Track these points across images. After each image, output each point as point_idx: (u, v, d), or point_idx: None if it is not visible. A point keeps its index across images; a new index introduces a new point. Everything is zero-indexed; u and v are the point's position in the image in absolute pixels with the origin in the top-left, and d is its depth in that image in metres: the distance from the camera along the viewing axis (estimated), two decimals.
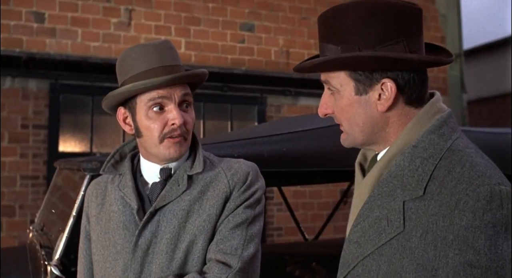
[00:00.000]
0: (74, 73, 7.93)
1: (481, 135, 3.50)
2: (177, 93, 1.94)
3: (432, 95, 1.61)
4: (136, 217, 1.94)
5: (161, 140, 1.94)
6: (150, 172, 2.03)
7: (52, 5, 7.96)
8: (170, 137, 1.94)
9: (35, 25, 7.86)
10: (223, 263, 1.90)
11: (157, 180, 2.01)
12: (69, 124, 8.06)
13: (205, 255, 1.93)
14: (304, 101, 9.32)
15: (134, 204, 1.95)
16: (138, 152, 2.12)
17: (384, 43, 1.47)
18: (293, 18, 9.54)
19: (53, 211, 3.77)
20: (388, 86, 1.49)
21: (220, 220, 1.97)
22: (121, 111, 2.02)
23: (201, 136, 8.56)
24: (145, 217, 1.92)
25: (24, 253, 3.86)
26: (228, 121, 9.04)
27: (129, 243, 1.92)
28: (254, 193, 2.03)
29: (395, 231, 1.45)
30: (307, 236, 4.86)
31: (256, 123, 8.99)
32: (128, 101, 1.98)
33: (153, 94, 1.91)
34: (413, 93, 1.51)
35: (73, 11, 8.08)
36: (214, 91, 8.59)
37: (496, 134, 3.56)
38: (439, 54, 1.61)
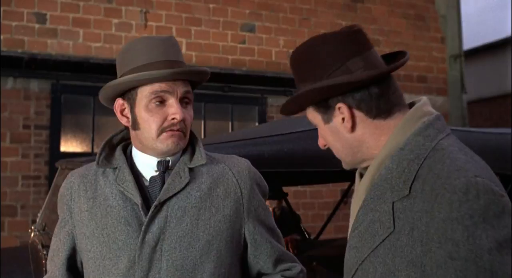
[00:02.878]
0: (76, 73, 7.95)
1: (481, 135, 3.50)
2: (179, 89, 1.92)
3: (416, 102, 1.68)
4: (141, 212, 1.88)
5: (159, 134, 1.91)
6: (146, 165, 1.98)
7: (54, 6, 7.98)
8: (169, 130, 1.92)
9: (37, 26, 7.88)
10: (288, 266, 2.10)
11: (153, 173, 1.97)
12: (70, 125, 8.08)
13: (220, 254, 1.94)
14: None
15: (138, 199, 1.89)
16: (127, 144, 2.08)
17: (327, 73, 1.58)
18: (293, 19, 9.56)
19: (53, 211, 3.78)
20: (343, 109, 1.58)
21: (250, 227, 2.02)
22: (119, 102, 1.97)
23: (202, 136, 8.57)
24: (151, 212, 1.87)
25: (25, 253, 3.87)
26: (229, 122, 9.06)
27: (133, 239, 1.87)
28: (264, 192, 2.11)
29: (387, 232, 1.50)
30: (307, 236, 4.87)
31: (256, 124, 9.00)
32: (127, 93, 1.94)
33: (156, 87, 1.89)
34: (373, 108, 1.58)
35: (74, 12, 8.10)
36: (215, 91, 8.60)
37: (496, 134, 3.57)
38: (398, 60, 1.67)
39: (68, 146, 8.02)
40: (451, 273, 1.37)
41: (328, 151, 1.96)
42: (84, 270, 1.98)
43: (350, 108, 1.58)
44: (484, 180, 1.40)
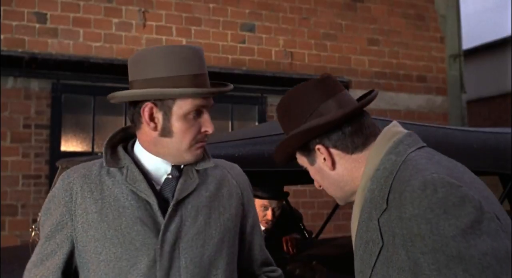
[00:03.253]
0: (76, 73, 7.96)
1: (480, 135, 3.50)
2: (211, 103, 2.00)
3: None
4: (158, 212, 1.91)
5: (192, 145, 1.96)
6: (157, 168, 2.00)
7: (54, 5, 8.00)
8: (200, 142, 1.99)
9: (37, 25, 7.89)
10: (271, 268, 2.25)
11: (162, 175, 2.00)
12: (71, 124, 8.09)
13: (230, 251, 2.03)
14: None
15: (153, 199, 1.92)
16: (126, 144, 2.07)
17: (303, 120, 1.77)
18: (293, 19, 9.57)
19: None
20: (322, 150, 1.75)
21: (247, 228, 2.16)
22: (149, 106, 1.94)
23: None
24: (169, 212, 1.92)
25: (26, 252, 3.88)
26: (228, 121, 9.07)
27: (151, 239, 1.89)
28: (253, 196, 2.23)
29: (378, 247, 1.61)
30: (307, 235, 4.88)
31: (256, 123, 9.01)
32: (161, 100, 1.94)
33: (198, 101, 1.94)
34: (348, 145, 1.75)
35: (75, 11, 8.12)
36: None
37: (496, 134, 3.57)
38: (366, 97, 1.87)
39: (69, 145, 8.04)
40: (425, 268, 1.46)
41: None
42: (90, 274, 1.92)
43: (327, 148, 1.75)
44: (440, 175, 1.51)
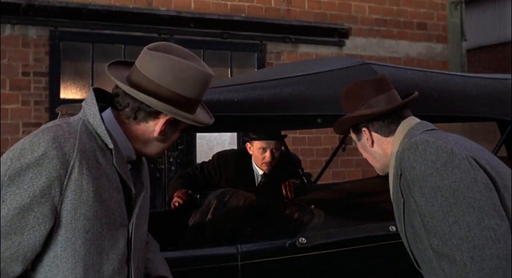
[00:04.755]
0: (74, 20, 7.90)
1: (479, 81, 3.50)
2: None
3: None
4: (134, 196, 2.10)
5: None
6: (128, 156, 2.12)
7: None
8: None
9: None
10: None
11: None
12: (69, 72, 8.08)
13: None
14: (303, 48, 9.29)
15: (132, 185, 2.09)
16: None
17: (357, 107, 2.40)
18: None
19: None
20: (366, 132, 2.40)
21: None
22: (170, 120, 2.10)
23: None
24: (141, 197, 2.14)
25: None
26: (228, 68, 9.04)
27: (125, 220, 2.04)
28: None
29: (402, 204, 2.21)
30: (305, 180, 4.91)
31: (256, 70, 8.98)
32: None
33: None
34: (386, 130, 2.36)
35: None
36: (214, 38, 8.57)
37: (495, 80, 3.56)
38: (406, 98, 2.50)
39: (68, 92, 8.04)
40: (418, 202, 2.06)
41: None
42: (70, 253, 1.88)
43: (370, 131, 2.39)
44: (421, 137, 2.14)
